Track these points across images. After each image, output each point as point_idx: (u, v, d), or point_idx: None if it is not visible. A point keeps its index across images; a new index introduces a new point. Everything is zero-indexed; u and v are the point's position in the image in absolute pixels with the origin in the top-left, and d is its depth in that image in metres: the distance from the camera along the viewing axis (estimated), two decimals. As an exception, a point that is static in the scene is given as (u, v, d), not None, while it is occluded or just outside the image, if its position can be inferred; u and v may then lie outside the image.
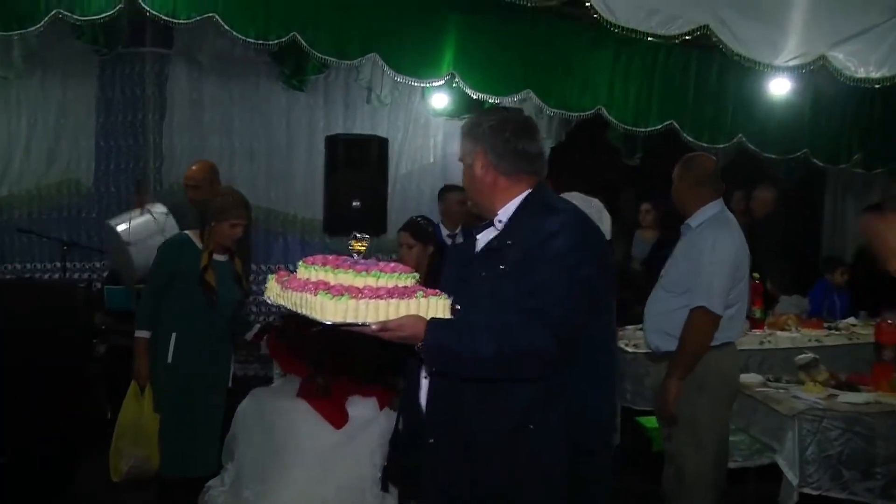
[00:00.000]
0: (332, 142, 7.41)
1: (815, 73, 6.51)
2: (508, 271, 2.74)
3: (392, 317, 2.53)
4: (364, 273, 2.58)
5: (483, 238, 2.99)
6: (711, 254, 4.46)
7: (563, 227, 2.74)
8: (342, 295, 2.43)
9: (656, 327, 4.70)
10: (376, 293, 2.49)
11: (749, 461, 5.68)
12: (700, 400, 4.50)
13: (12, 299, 6.03)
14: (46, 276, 8.25)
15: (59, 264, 7.90)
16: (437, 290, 2.70)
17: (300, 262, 2.75)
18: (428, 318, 2.59)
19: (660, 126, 8.12)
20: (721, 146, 8.31)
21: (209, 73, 8.49)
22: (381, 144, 7.49)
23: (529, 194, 2.90)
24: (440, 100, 8.79)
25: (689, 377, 4.50)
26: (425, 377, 2.92)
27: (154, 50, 8.19)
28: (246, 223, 5.22)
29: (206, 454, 5.29)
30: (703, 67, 8.05)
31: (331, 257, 2.78)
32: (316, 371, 5.32)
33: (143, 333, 5.17)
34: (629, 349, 6.45)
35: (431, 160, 9.26)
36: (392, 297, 2.49)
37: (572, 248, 2.71)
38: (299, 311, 2.55)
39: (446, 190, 7.70)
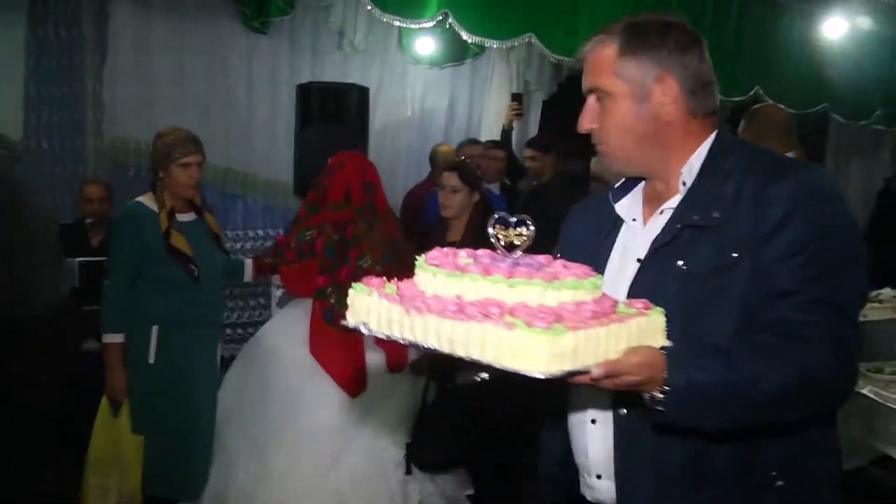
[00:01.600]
0: (305, 91, 6.74)
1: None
2: (737, 260, 1.83)
3: (613, 353, 1.56)
4: (539, 282, 1.58)
5: (632, 208, 2.10)
6: None
7: (804, 187, 1.86)
8: (553, 326, 1.43)
9: None
10: (581, 316, 1.52)
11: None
12: None
13: None
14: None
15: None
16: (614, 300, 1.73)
17: (418, 261, 1.76)
18: (656, 348, 1.67)
19: None
20: (737, 99, 7.56)
21: (158, 11, 7.40)
22: (362, 94, 6.86)
23: (715, 142, 2.00)
24: (425, 45, 8.00)
25: None
26: (593, 422, 2.01)
27: (94, -17, 7.17)
28: (201, 160, 4.41)
29: (203, 470, 4.52)
30: (721, 13, 7.44)
31: (462, 253, 1.80)
32: (326, 272, 4.49)
33: (114, 337, 4.29)
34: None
35: (409, 114, 8.37)
36: (605, 320, 1.53)
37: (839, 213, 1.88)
38: (453, 354, 1.54)
39: (439, 149, 7.10)
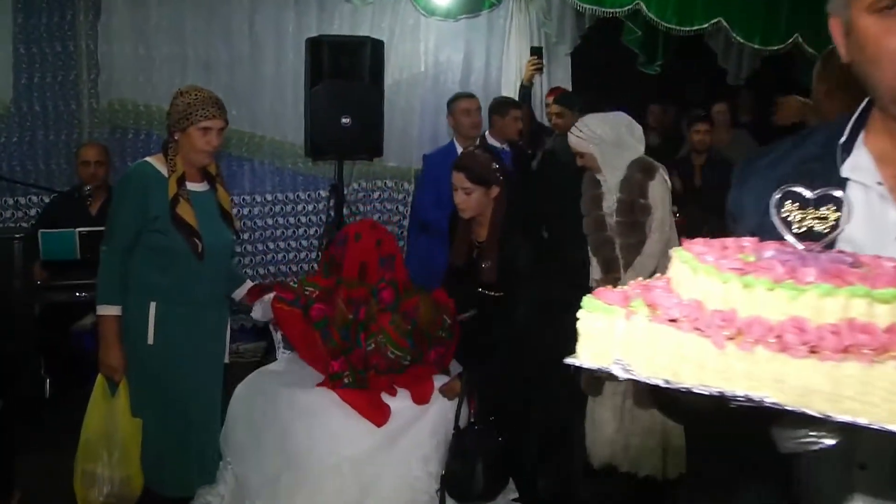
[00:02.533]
0: (315, 46, 6.26)
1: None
2: None
3: None
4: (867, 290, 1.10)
5: (863, 168, 1.59)
6: None
7: None
8: None
9: None
10: None
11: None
12: None
13: None
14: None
15: (-25, 201, 6.56)
16: None
17: (677, 252, 1.25)
18: None
19: (706, 25, 7.25)
20: (774, 48, 7.13)
21: (154, -37, 6.99)
22: (376, 48, 6.49)
23: None
24: None
25: None
26: (861, 467, 1.49)
27: (85, -67, 6.70)
28: (222, 126, 3.98)
29: (208, 463, 4.17)
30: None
31: (746, 243, 1.29)
32: (341, 354, 4.10)
33: (110, 309, 3.89)
34: None
35: (423, 68, 7.89)
36: None
37: None
38: (805, 411, 1.07)
39: (457, 99, 6.50)
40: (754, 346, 1.07)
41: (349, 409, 3.97)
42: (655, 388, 1.14)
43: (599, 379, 4.04)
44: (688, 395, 1.12)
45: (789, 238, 1.25)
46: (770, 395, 1.07)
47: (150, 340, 3.87)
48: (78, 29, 6.96)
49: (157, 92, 6.90)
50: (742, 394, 1.08)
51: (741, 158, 1.97)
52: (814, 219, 1.27)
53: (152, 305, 3.87)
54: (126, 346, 3.90)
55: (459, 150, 5.93)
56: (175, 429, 3.99)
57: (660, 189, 4.29)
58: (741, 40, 7.25)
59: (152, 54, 7.02)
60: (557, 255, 5.00)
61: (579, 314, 1.18)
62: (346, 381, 4.02)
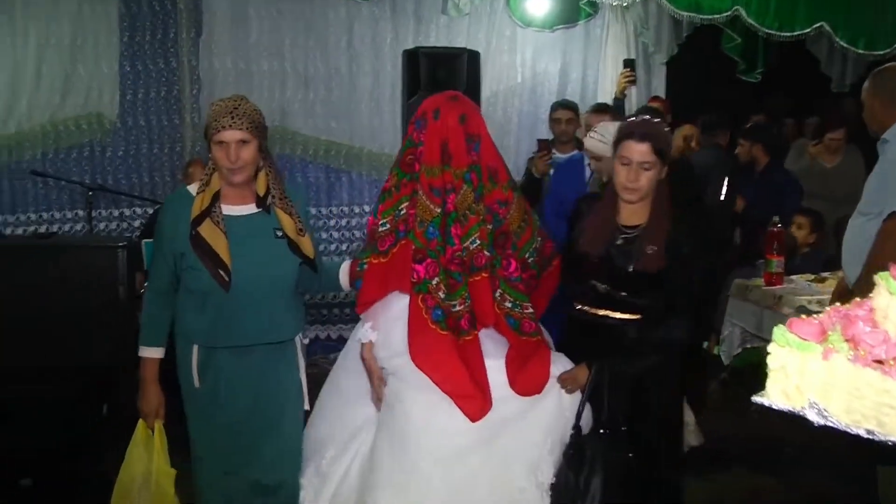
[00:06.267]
0: (412, 57, 6.35)
1: None
2: None
3: None
4: None
5: None
6: None
7: None
8: None
9: (855, 259, 4.06)
10: None
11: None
12: None
13: (31, 266, 4.65)
14: (68, 228, 7.03)
15: (82, 213, 6.72)
16: None
17: (886, 280, 1.16)
18: None
19: (808, 29, 7.18)
20: (881, 52, 6.97)
21: (253, -19, 7.18)
22: (473, 59, 6.55)
23: None
24: (534, 6, 7.59)
25: None
26: None
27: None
28: (245, 138, 3.32)
29: None
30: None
31: None
32: (428, 256, 3.26)
33: (149, 352, 3.54)
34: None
35: (519, 80, 7.85)
36: None
37: None
38: None
39: (552, 108, 6.51)
40: None
41: (439, 394, 3.23)
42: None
43: None
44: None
45: None
46: None
47: (196, 384, 3.48)
48: (180, 46, 7.18)
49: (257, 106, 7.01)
50: None
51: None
52: None
53: (195, 348, 3.46)
54: (182, 390, 3.55)
55: (558, 156, 5.93)
56: (223, 483, 3.56)
57: None
58: (844, 45, 7.14)
59: (251, 69, 7.18)
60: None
61: (770, 348, 1.09)
62: (440, 294, 3.20)
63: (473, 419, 3.20)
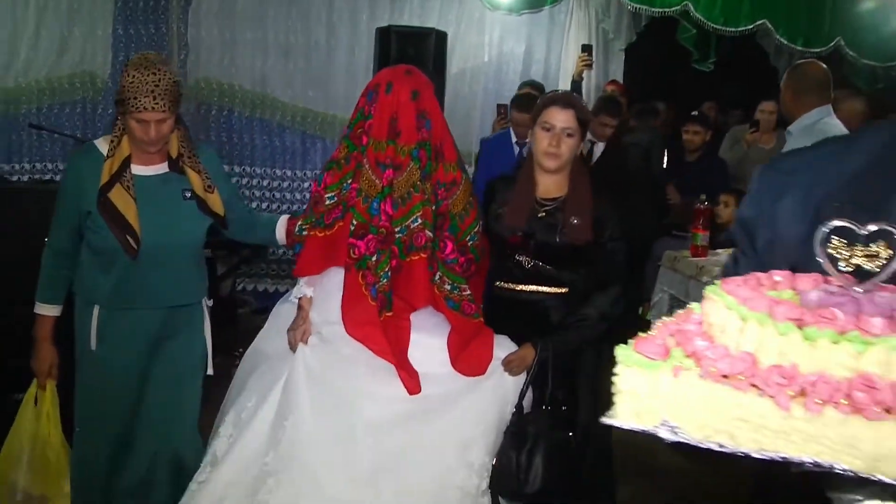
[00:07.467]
0: (384, 35, 6.77)
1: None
2: None
3: None
4: None
5: None
6: None
7: None
8: None
9: None
10: None
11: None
12: None
13: (31, 209, 4.90)
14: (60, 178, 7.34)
15: (73, 163, 7.08)
16: None
17: (715, 293, 1.19)
18: None
19: (751, 26, 7.53)
20: (817, 50, 7.46)
21: (242, -47, 7.59)
22: (440, 39, 6.87)
23: None
24: None
25: None
26: None
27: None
28: (161, 118, 3.11)
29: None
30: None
31: (778, 277, 1.27)
32: (369, 232, 3.14)
33: (45, 309, 3.36)
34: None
35: (486, 59, 8.33)
36: None
37: None
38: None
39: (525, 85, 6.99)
40: (823, 408, 0.99)
41: (376, 360, 3.11)
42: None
43: None
44: (745, 458, 1.03)
45: (835, 275, 1.18)
46: (842, 461, 0.99)
47: (93, 346, 3.29)
48: (171, 12, 7.59)
49: (240, 73, 7.62)
50: (810, 460, 1.01)
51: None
52: (863, 256, 1.18)
53: (95, 309, 3.28)
54: (77, 353, 3.38)
55: (514, 138, 6.17)
56: (108, 453, 3.37)
57: None
58: (785, 41, 7.51)
59: (236, 38, 7.64)
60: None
61: (617, 370, 1.09)
62: (379, 272, 3.10)
63: (412, 392, 3.11)
